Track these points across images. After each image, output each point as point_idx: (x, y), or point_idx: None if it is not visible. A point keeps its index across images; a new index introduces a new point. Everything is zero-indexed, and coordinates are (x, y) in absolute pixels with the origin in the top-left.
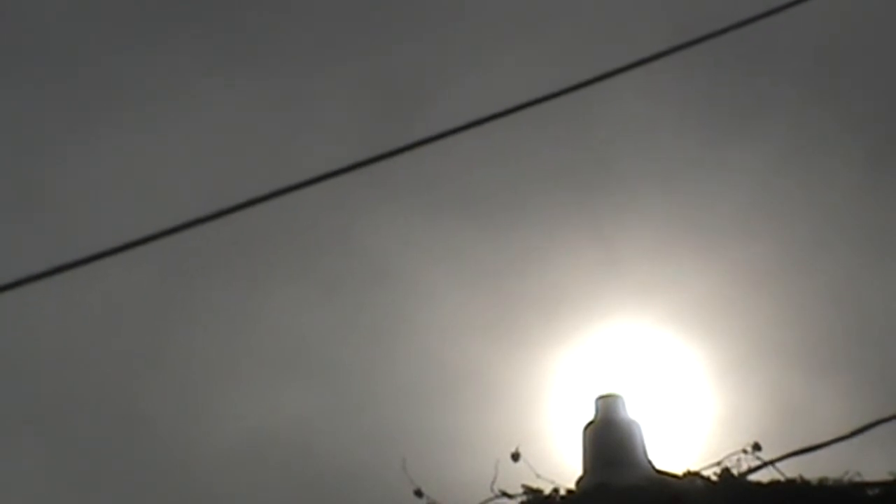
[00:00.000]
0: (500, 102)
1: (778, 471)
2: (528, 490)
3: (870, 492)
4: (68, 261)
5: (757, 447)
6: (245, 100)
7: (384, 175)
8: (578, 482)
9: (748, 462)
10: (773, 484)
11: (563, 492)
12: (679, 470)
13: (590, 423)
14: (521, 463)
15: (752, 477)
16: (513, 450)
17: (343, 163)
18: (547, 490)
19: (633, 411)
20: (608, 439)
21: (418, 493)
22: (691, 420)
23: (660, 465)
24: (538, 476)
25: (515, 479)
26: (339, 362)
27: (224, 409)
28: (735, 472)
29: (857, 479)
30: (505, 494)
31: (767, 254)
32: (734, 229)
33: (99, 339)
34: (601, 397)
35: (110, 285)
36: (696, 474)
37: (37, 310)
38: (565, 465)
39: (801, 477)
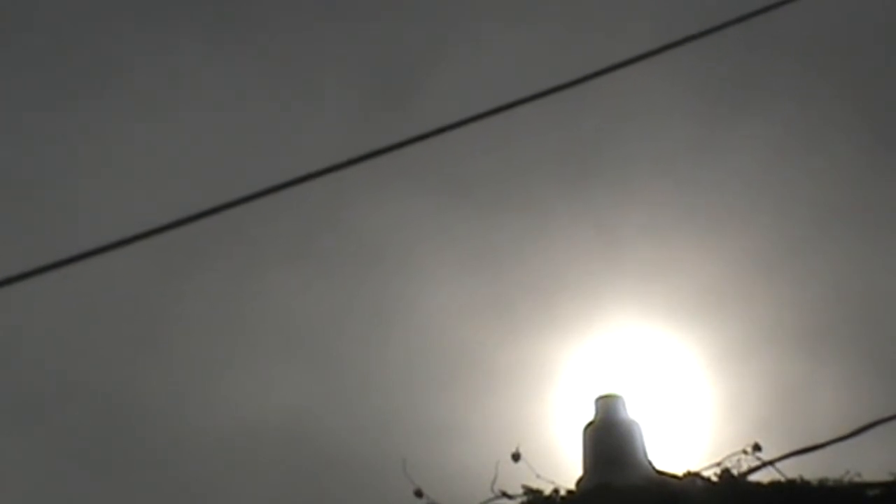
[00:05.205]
0: (500, 91)
1: (778, 471)
2: (529, 490)
3: (870, 492)
4: (63, 257)
5: (757, 448)
6: (243, 89)
7: (381, 159)
8: (578, 482)
9: (748, 462)
10: (773, 484)
11: (563, 492)
12: (679, 470)
13: (589, 424)
14: (521, 463)
15: (752, 477)
16: (513, 450)
17: (342, 150)
18: (547, 490)
19: (633, 408)
20: (608, 440)
21: (418, 494)
22: (691, 407)
23: (660, 465)
24: (538, 476)
25: (516, 478)
26: (335, 349)
27: (218, 397)
28: (735, 472)
29: (857, 479)
30: (505, 495)
31: (769, 239)
32: (735, 215)
33: (92, 327)
34: (601, 397)
35: (103, 273)
36: (697, 475)
37: (30, 303)
38: (566, 463)
39: (801, 477)
